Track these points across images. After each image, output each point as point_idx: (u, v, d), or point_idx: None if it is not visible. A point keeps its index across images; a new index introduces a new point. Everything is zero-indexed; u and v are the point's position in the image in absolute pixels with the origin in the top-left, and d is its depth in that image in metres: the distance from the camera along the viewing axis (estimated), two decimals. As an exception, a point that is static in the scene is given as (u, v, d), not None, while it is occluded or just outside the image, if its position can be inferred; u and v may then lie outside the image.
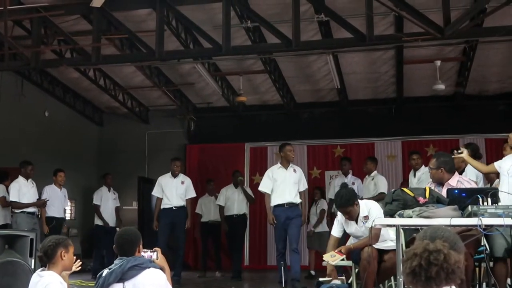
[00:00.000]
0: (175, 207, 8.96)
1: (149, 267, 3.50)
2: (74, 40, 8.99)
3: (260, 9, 7.96)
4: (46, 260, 3.86)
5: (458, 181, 5.20)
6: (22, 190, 8.79)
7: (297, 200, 7.86)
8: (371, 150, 11.92)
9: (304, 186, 8.01)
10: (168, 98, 12.03)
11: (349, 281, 5.94)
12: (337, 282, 5.62)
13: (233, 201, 10.14)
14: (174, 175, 9.23)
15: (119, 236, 3.69)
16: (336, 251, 5.72)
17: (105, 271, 3.51)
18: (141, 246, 3.68)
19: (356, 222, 5.73)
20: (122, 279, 3.43)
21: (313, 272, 10.03)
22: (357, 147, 12.15)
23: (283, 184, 7.84)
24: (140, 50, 9.02)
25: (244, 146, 12.59)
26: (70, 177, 11.82)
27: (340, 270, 6.97)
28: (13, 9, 7.84)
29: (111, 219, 10.28)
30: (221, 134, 12.54)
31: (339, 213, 5.94)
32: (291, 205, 7.76)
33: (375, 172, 9.24)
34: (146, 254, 3.77)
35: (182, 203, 9.02)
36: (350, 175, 9.69)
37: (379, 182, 9.01)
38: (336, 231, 5.97)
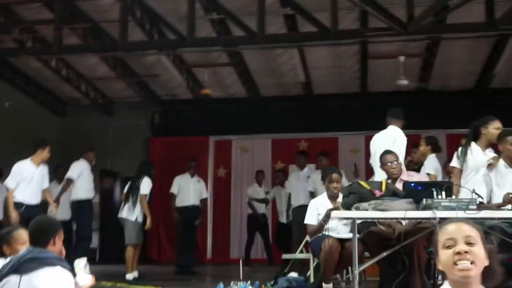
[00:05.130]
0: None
1: (55, 265, 3.00)
2: (35, 29, 8.85)
3: (225, 1, 7.93)
4: None
5: (408, 175, 5.32)
6: None
7: None
8: (334, 144, 11.99)
9: None
10: (132, 90, 11.88)
11: (307, 274, 5.96)
12: (294, 275, 5.64)
13: (188, 191, 9.63)
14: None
15: (32, 223, 3.28)
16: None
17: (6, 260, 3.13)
18: (57, 239, 3.22)
19: None
20: (19, 271, 2.95)
21: None
22: (321, 141, 12.18)
23: None
24: (104, 40, 8.91)
25: (209, 139, 12.51)
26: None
27: (299, 263, 6.98)
28: (-29, -4, 7.65)
29: (66, 213, 9.22)
30: (185, 127, 12.40)
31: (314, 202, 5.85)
32: None
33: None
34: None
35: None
36: (306, 169, 9.61)
37: None
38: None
